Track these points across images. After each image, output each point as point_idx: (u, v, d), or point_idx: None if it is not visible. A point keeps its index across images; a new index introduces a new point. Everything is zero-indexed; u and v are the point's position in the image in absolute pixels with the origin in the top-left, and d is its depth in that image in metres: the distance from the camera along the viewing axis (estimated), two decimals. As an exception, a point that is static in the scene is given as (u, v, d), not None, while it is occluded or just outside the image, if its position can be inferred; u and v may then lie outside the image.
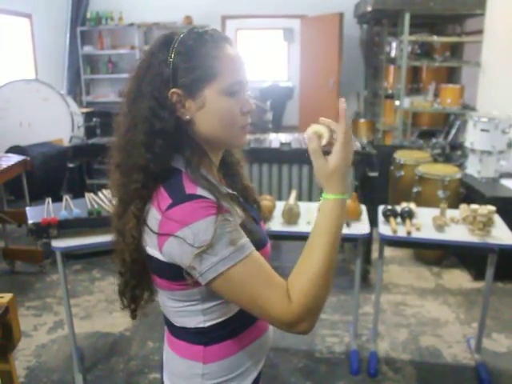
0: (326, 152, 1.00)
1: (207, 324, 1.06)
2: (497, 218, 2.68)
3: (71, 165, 4.20)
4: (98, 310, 3.39)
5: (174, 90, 1.00)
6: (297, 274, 0.98)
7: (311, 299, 0.95)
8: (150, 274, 1.07)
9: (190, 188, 0.98)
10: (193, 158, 1.03)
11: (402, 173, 4.28)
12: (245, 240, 0.97)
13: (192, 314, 1.06)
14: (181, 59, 0.99)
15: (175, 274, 0.99)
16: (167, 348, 1.18)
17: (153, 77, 1.00)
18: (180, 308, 1.06)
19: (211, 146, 1.08)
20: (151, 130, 1.00)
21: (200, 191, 0.98)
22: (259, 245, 1.03)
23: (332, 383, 2.66)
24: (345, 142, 0.99)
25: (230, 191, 1.10)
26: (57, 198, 2.80)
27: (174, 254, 0.96)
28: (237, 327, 1.09)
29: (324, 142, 1.00)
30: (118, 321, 3.23)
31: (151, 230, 0.99)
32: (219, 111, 1.02)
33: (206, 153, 1.07)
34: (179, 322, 1.09)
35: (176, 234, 0.94)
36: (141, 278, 1.08)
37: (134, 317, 1.17)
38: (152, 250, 1.01)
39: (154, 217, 0.99)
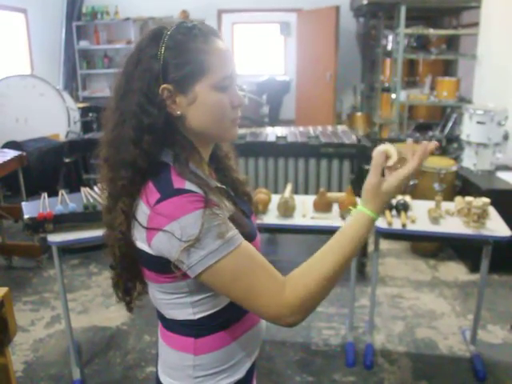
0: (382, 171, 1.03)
1: (197, 316, 1.07)
2: (492, 210, 2.68)
3: (67, 160, 4.20)
4: (95, 305, 3.40)
5: (164, 85, 0.99)
6: (305, 270, 0.99)
7: (311, 297, 0.96)
8: (140, 266, 1.08)
9: (178, 182, 0.98)
10: (182, 152, 1.03)
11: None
12: (233, 232, 0.97)
13: (181, 307, 1.06)
14: (171, 54, 0.99)
15: (164, 266, 0.99)
16: (160, 340, 1.19)
17: (142, 72, 1.00)
18: (169, 300, 1.07)
19: (201, 140, 1.08)
20: (140, 126, 1.00)
21: (188, 185, 0.97)
22: (247, 238, 1.03)
23: (328, 375, 2.67)
24: (409, 176, 1.01)
25: (219, 185, 1.10)
26: (53, 193, 2.80)
27: (162, 248, 0.97)
28: (228, 319, 1.10)
29: (390, 163, 1.02)
30: (114, 315, 3.24)
31: (140, 225, 0.99)
32: (210, 106, 1.02)
33: (195, 147, 1.07)
34: (169, 314, 1.10)
35: (164, 228, 0.94)
36: (132, 271, 1.09)
37: (129, 309, 1.17)
38: (141, 243, 1.01)
39: (142, 211, 0.99)
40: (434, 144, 1.03)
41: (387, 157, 1.02)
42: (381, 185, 1.01)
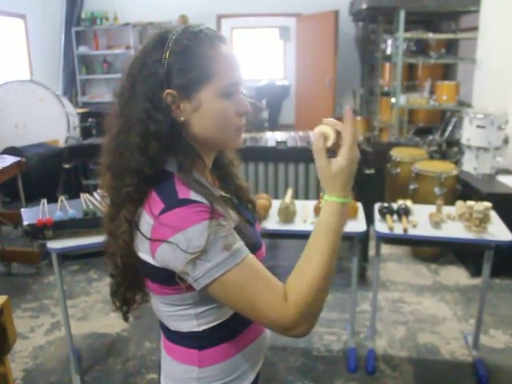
0: (332, 154, 0.98)
1: (201, 328, 1.05)
2: (493, 215, 2.67)
3: (67, 165, 4.19)
4: (95, 311, 3.38)
5: (169, 90, 0.97)
6: (295, 277, 0.96)
7: (309, 303, 0.94)
8: (141, 276, 1.06)
9: (182, 192, 0.96)
10: (186, 160, 1.00)
11: (399, 170, 4.28)
12: (239, 244, 0.95)
13: (185, 319, 1.05)
14: (176, 59, 0.97)
15: (168, 278, 0.97)
16: (163, 352, 1.17)
17: (147, 77, 0.98)
18: (173, 312, 1.05)
19: (205, 147, 1.06)
20: (146, 133, 0.97)
21: (193, 195, 0.96)
22: (253, 248, 1.01)
23: (330, 381, 2.66)
24: (352, 145, 0.96)
25: (224, 194, 1.08)
26: (53, 199, 2.79)
27: (167, 259, 0.94)
28: (232, 330, 1.08)
29: (329, 143, 0.97)
30: (115, 321, 3.22)
31: (144, 236, 0.97)
32: (215, 113, 1.00)
33: (199, 155, 1.05)
34: (173, 326, 1.08)
35: (169, 239, 0.92)
36: (132, 280, 1.07)
37: (125, 319, 1.15)
38: (144, 255, 0.99)
39: (146, 222, 0.97)
40: (348, 108, 0.99)
41: (325, 138, 0.98)
42: (330, 166, 0.96)
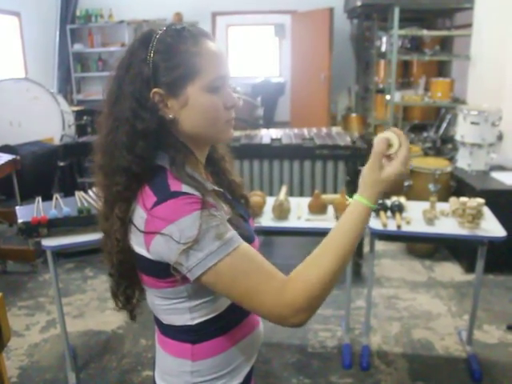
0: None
1: (195, 322, 1.06)
2: (486, 211, 2.69)
3: (62, 163, 4.20)
4: (91, 309, 3.39)
5: (155, 90, 0.99)
6: (307, 266, 0.97)
7: (312, 294, 0.94)
8: (138, 272, 1.07)
9: (174, 185, 0.97)
10: (177, 156, 1.02)
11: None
12: (232, 233, 0.96)
13: (179, 312, 1.05)
14: (160, 58, 0.98)
15: (163, 271, 0.98)
16: (157, 345, 1.18)
17: (133, 77, 0.99)
18: (167, 306, 1.06)
19: (196, 142, 1.07)
20: (133, 132, 0.99)
21: (185, 188, 0.97)
22: (246, 242, 1.02)
23: (325, 377, 2.67)
24: (406, 160, 1.00)
25: (216, 188, 1.09)
26: (47, 197, 2.79)
27: (161, 251, 0.96)
28: (226, 324, 1.09)
29: (392, 151, 1.00)
30: (110, 319, 3.23)
31: (138, 229, 0.98)
32: (203, 108, 1.01)
33: (191, 151, 1.06)
34: (167, 319, 1.09)
35: (162, 231, 0.93)
36: (131, 277, 1.08)
37: (133, 317, 1.16)
38: (139, 248, 1.00)
39: (139, 215, 0.98)
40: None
41: (389, 145, 1.01)
42: (380, 172, 1.00)
